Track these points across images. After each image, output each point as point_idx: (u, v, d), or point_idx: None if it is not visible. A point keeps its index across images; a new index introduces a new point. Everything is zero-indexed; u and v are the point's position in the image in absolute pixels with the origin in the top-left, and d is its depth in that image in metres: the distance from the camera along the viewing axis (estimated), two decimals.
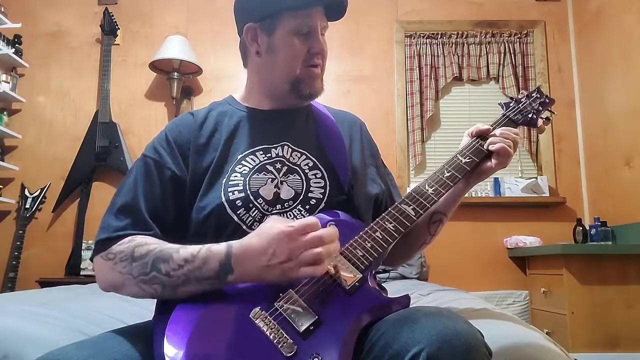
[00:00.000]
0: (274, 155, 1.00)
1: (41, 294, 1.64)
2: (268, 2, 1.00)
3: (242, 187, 0.94)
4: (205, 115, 1.06)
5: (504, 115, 1.09)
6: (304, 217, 0.94)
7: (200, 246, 0.83)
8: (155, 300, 0.91)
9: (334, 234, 0.80)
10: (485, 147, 1.01)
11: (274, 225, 0.80)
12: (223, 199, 0.93)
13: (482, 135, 1.03)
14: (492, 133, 1.03)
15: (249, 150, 1.00)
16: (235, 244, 0.82)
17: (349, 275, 0.82)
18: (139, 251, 0.84)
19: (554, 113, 1.15)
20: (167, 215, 0.94)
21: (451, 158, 1.01)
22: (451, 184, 0.96)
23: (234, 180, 0.95)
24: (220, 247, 0.82)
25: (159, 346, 0.75)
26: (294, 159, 1.01)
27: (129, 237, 0.88)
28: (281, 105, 1.07)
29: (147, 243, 0.86)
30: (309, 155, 1.02)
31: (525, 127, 3.24)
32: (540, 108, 1.12)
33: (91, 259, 0.91)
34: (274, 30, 1.01)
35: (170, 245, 0.85)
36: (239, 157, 0.99)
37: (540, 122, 1.12)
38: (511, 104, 1.12)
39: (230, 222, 0.92)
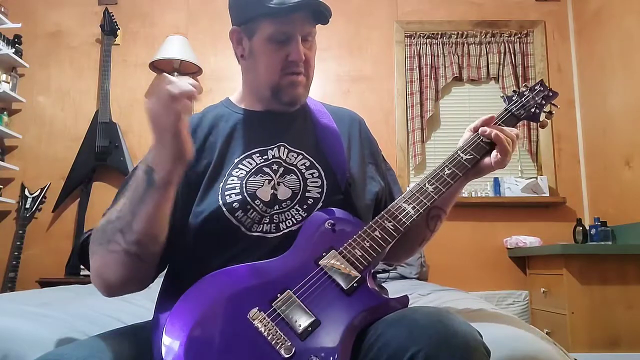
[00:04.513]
0: (270, 157, 1.00)
1: (41, 294, 1.64)
2: (247, 6, 0.99)
3: (239, 190, 0.94)
4: (199, 120, 1.05)
5: (506, 110, 1.07)
6: (302, 216, 0.94)
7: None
8: (155, 300, 0.92)
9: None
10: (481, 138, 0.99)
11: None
12: (220, 202, 0.92)
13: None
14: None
15: (246, 154, 1.00)
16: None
17: (348, 275, 0.82)
18: (96, 227, 0.86)
19: (556, 107, 1.12)
20: None
21: (452, 154, 0.99)
22: (452, 182, 0.95)
23: (231, 183, 0.95)
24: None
25: (157, 347, 0.75)
26: (290, 159, 1.00)
27: None
28: (270, 108, 1.06)
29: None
30: (305, 155, 1.01)
31: (526, 127, 3.31)
32: (543, 102, 1.10)
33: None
34: (253, 35, 1.01)
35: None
36: (235, 160, 0.98)
37: (542, 116, 1.10)
38: (514, 97, 1.10)
39: (229, 225, 0.92)
